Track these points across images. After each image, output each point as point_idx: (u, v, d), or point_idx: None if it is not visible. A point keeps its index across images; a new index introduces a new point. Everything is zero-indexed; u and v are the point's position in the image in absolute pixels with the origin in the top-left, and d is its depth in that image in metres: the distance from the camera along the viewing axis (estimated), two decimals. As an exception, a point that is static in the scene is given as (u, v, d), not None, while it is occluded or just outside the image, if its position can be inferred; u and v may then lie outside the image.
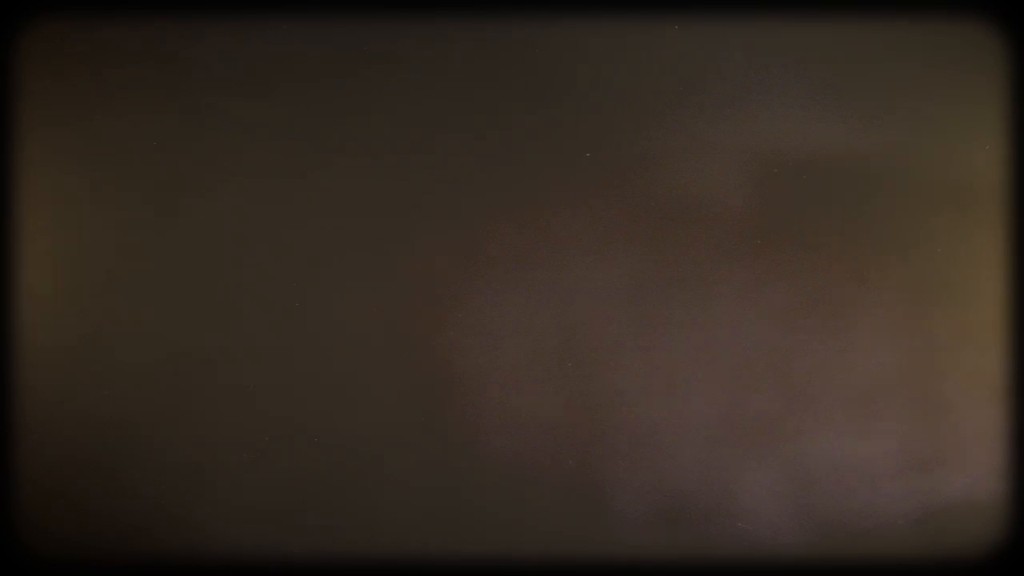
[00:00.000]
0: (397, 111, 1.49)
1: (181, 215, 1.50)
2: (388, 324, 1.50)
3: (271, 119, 1.49)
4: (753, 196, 1.48)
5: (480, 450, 1.51)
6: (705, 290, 1.49)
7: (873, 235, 1.49)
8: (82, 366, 1.50)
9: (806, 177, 1.48)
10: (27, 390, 1.49)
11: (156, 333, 1.50)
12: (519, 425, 1.51)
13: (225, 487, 1.52)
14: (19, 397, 1.49)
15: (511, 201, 1.49)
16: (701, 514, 1.53)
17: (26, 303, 1.49)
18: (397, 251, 1.50)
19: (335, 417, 1.51)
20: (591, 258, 1.49)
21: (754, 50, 1.47)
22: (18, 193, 1.48)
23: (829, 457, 1.52)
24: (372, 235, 1.50)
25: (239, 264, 1.50)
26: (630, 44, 1.48)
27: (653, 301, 1.50)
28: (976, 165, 1.49)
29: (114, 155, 1.49)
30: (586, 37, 1.48)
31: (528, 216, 1.49)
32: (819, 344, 1.50)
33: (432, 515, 1.52)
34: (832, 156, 1.48)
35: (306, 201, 1.50)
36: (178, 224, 1.50)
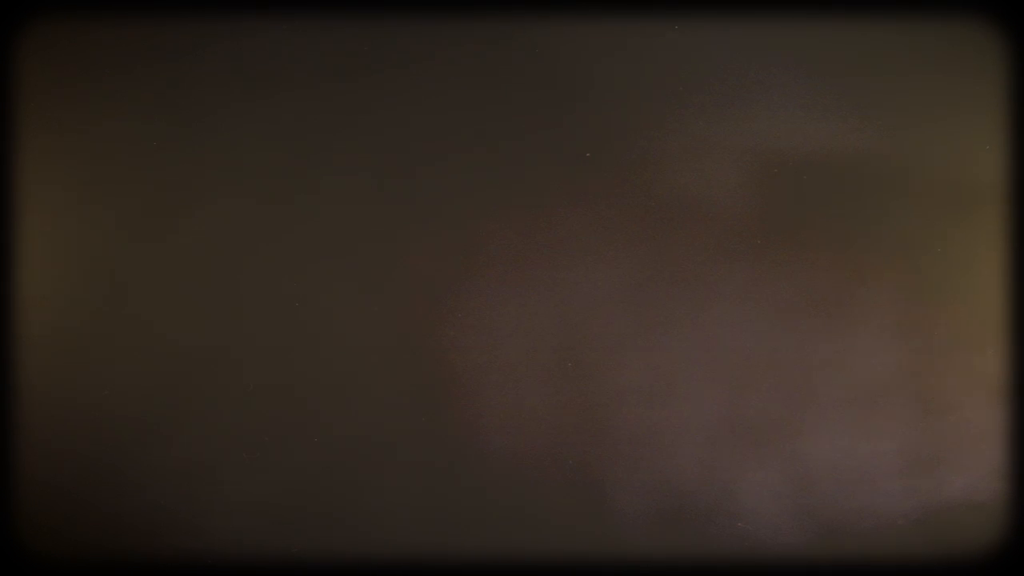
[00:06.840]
0: (397, 111, 1.49)
1: (181, 215, 1.50)
2: (388, 324, 1.50)
3: (271, 119, 1.49)
4: (753, 196, 1.48)
5: (480, 450, 1.51)
6: (705, 290, 1.49)
7: (873, 235, 1.49)
8: (82, 366, 1.51)
9: (806, 177, 1.48)
10: (27, 389, 1.49)
11: (157, 333, 1.50)
12: (519, 425, 1.51)
13: (225, 486, 1.52)
14: (19, 397, 1.49)
15: (511, 201, 1.49)
16: (701, 514, 1.53)
17: (27, 303, 1.49)
18: (397, 251, 1.50)
19: (335, 417, 1.51)
20: (591, 258, 1.49)
21: (754, 50, 1.47)
22: (18, 193, 1.48)
23: (829, 457, 1.52)
24: (372, 235, 1.50)
25: (239, 264, 1.50)
26: (630, 44, 1.48)
27: (653, 301, 1.50)
28: (976, 165, 1.48)
29: (114, 155, 1.49)
30: (586, 37, 1.48)
31: (528, 216, 1.49)
32: (819, 344, 1.50)
33: (432, 514, 1.52)
34: (832, 156, 1.48)
35: (306, 201, 1.50)
36: (179, 224, 1.50)
